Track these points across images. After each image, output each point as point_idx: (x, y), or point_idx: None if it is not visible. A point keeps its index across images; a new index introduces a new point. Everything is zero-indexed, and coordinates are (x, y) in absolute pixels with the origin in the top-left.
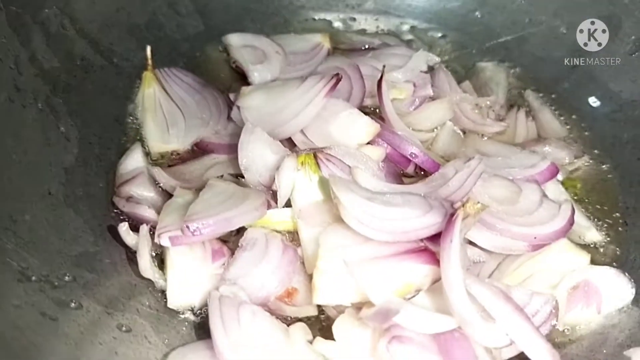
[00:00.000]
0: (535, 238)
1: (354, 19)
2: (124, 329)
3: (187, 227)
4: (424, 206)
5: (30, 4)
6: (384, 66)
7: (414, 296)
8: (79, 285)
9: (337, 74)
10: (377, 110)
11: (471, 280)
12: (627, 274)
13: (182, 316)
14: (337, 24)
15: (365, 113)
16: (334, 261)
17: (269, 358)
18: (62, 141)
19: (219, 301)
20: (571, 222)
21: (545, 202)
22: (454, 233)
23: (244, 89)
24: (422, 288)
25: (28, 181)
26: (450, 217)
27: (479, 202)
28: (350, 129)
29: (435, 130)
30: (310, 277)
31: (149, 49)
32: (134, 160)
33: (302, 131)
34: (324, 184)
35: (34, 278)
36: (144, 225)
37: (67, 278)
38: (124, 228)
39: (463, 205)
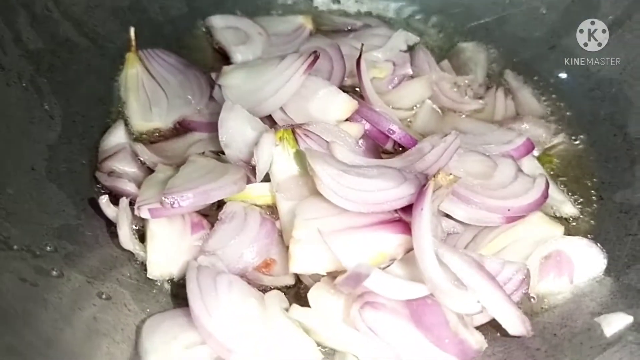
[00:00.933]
0: (509, 210)
1: (338, 1)
2: (104, 297)
3: (166, 199)
4: (398, 178)
5: None
6: (362, 45)
7: (388, 265)
8: (60, 255)
9: (315, 52)
10: (358, 89)
11: (443, 249)
12: (598, 245)
13: (161, 285)
14: (320, 6)
15: (346, 92)
16: (309, 231)
17: (245, 324)
18: (45, 119)
19: (197, 270)
20: (545, 195)
21: (520, 176)
22: (425, 202)
23: (225, 68)
24: (396, 257)
25: (11, 157)
26: (422, 188)
27: (451, 174)
28: (328, 106)
29: (414, 108)
30: (287, 248)
31: (132, 30)
32: (116, 137)
33: (281, 108)
34: (302, 158)
35: (15, 247)
36: (124, 198)
37: (48, 248)
38: (104, 200)
39: (434, 176)
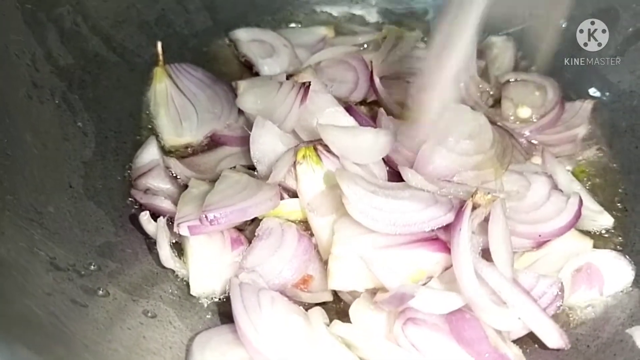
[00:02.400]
0: (539, 236)
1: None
2: (149, 314)
3: (205, 216)
4: (429, 200)
5: (44, 1)
6: (371, 62)
7: (425, 283)
8: (104, 274)
9: (305, 83)
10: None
11: (482, 264)
12: (627, 257)
13: (203, 302)
14: (339, 15)
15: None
16: (347, 248)
17: (290, 340)
18: (79, 136)
19: (239, 287)
20: (578, 215)
21: (553, 195)
22: (463, 223)
23: (240, 85)
24: (434, 275)
25: (49, 175)
26: (459, 209)
27: (489, 193)
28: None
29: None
30: (325, 264)
31: (159, 44)
32: (149, 154)
33: None
34: (329, 175)
35: (62, 267)
36: (161, 217)
37: (92, 267)
38: (145, 217)
39: (472, 196)
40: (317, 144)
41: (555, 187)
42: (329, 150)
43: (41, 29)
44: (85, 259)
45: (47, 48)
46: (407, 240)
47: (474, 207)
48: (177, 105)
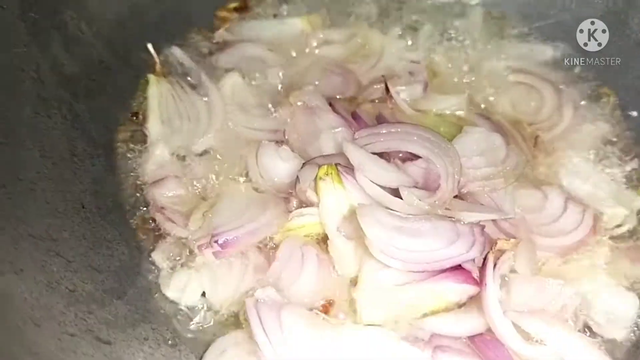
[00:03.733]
0: (559, 249)
1: None
2: (170, 342)
3: (216, 240)
4: (451, 235)
5: (47, 8)
6: (383, 76)
7: (454, 309)
8: (123, 302)
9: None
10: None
11: (514, 315)
12: None
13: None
14: None
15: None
16: (374, 284)
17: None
18: (88, 149)
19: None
20: (594, 230)
21: (569, 206)
22: (488, 277)
23: None
24: (461, 303)
25: (61, 196)
26: (483, 262)
27: (511, 238)
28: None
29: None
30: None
31: (150, 46)
32: (155, 161)
33: None
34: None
35: (81, 300)
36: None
37: (110, 295)
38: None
39: (492, 248)
40: (337, 164)
41: (569, 198)
42: (348, 172)
43: (45, 37)
44: (103, 285)
45: (51, 57)
46: (432, 274)
47: (499, 254)
48: (175, 112)
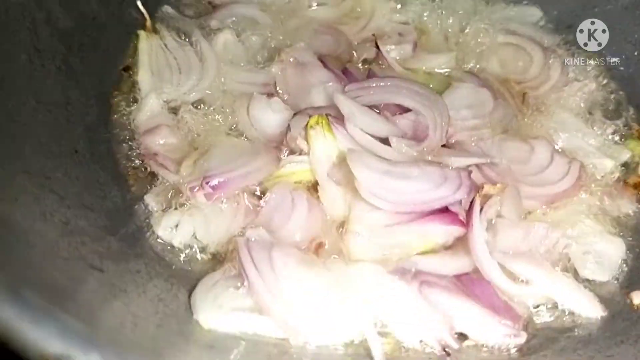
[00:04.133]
0: (545, 198)
1: None
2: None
3: (207, 183)
4: (439, 178)
5: None
6: (374, 34)
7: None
8: (116, 239)
9: None
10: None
11: (501, 256)
12: None
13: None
14: None
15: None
16: (363, 224)
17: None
18: (82, 100)
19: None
20: (581, 182)
21: (555, 158)
22: (474, 219)
23: None
24: (447, 244)
25: (55, 140)
26: (470, 204)
27: (497, 183)
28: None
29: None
30: (335, 229)
31: (139, 3)
32: (148, 110)
33: None
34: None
35: (75, 232)
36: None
37: (103, 231)
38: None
39: (479, 191)
40: (328, 114)
41: (556, 150)
42: (339, 122)
43: None
44: (96, 223)
45: (46, 11)
46: (419, 215)
47: (485, 199)
48: (166, 64)
